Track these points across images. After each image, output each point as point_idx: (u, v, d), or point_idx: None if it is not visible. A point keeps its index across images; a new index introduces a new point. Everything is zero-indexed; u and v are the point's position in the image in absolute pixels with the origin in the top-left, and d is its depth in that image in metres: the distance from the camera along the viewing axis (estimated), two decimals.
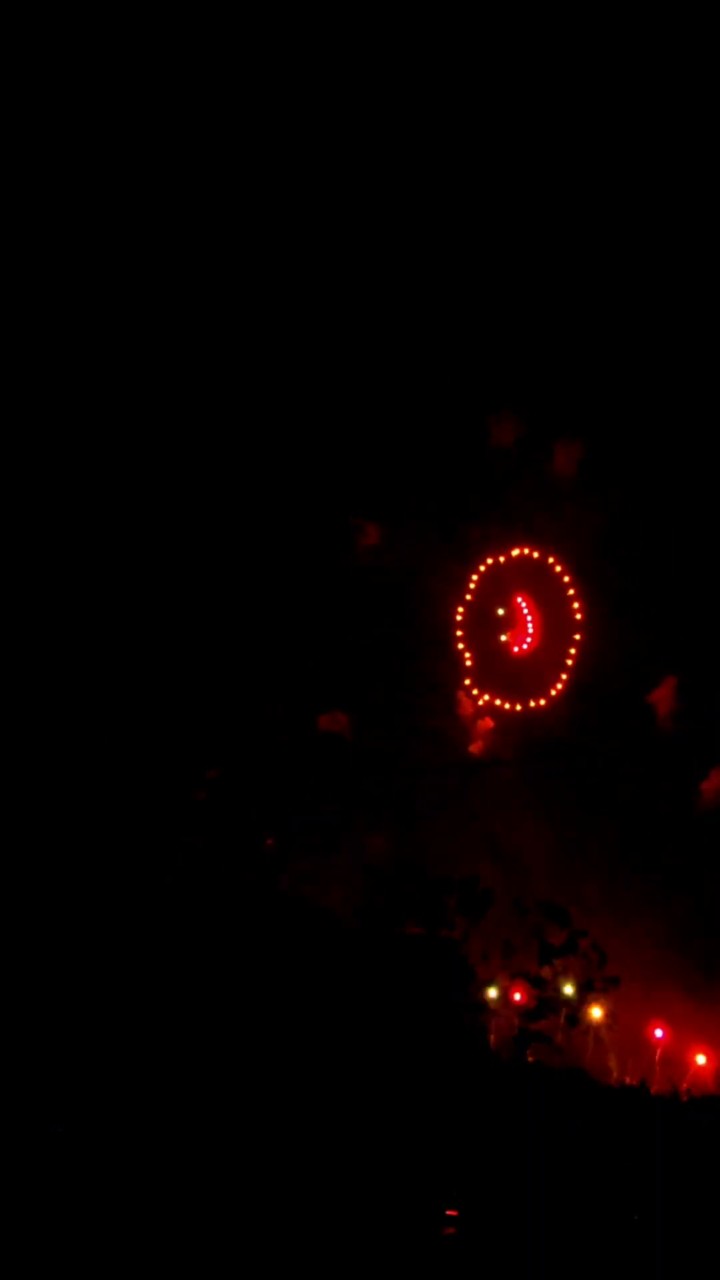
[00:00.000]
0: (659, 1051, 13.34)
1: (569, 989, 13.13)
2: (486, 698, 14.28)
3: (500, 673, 14.76)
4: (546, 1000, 13.11)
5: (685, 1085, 13.19)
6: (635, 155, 15.00)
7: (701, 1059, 13.26)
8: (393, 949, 10.24)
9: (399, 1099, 8.38)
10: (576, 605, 14.47)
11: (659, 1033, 13.26)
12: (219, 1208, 8.23)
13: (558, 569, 14.37)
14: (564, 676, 14.37)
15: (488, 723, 14.55)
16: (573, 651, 14.59)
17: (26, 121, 14.78)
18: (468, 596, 14.61)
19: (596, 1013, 12.98)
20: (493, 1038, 12.93)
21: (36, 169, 14.71)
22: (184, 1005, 8.80)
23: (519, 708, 14.44)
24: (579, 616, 14.40)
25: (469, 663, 14.52)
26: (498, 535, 15.02)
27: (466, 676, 14.36)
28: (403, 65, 14.98)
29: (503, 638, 14.56)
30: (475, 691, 14.29)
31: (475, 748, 14.43)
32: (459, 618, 14.66)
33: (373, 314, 15.31)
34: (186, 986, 8.92)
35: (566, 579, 14.41)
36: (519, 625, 14.66)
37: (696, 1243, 8.59)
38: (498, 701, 14.37)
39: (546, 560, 14.56)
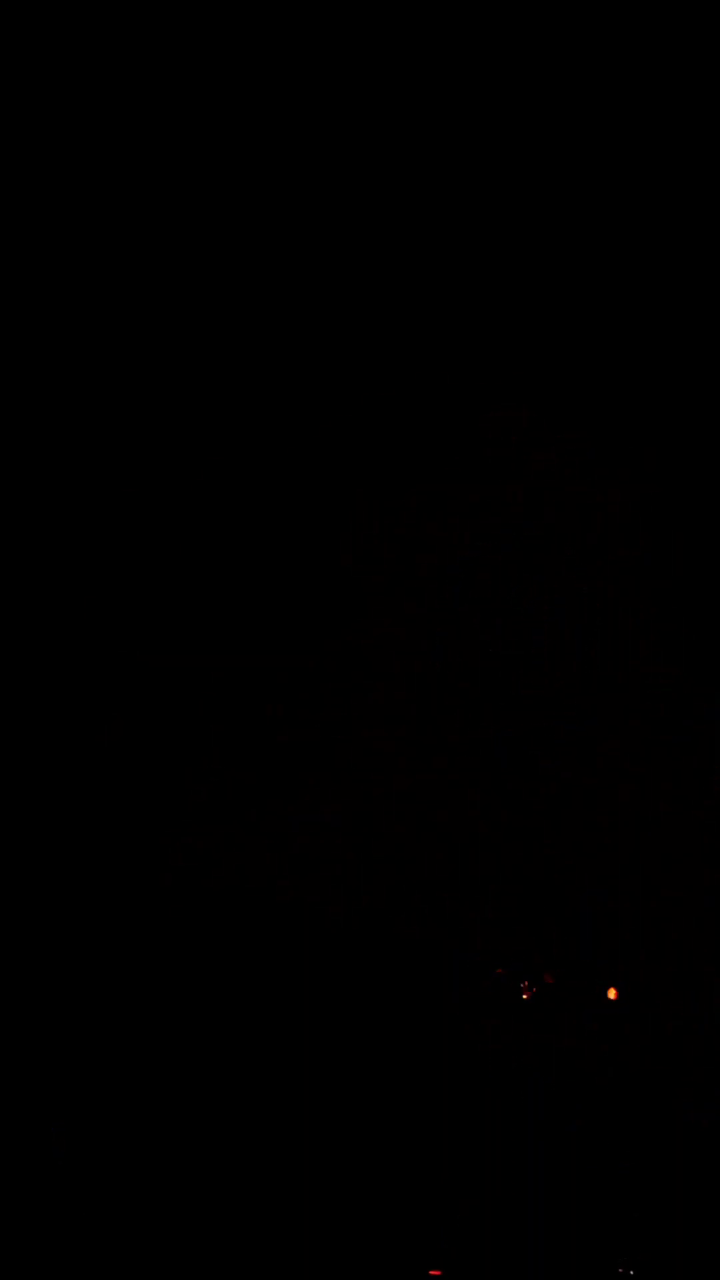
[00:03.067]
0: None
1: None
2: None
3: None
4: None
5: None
6: (634, 154, 15.42)
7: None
8: (392, 950, 10.38)
9: (398, 1098, 8.61)
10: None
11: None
12: (217, 1209, 8.52)
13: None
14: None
15: None
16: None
17: (26, 121, 15.06)
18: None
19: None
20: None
21: (36, 167, 15.06)
22: (183, 1005, 9.05)
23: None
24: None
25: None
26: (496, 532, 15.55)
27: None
28: (402, 60, 15.34)
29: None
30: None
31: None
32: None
33: (372, 312, 15.66)
34: (186, 986, 9.17)
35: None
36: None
37: (696, 1242, 8.84)
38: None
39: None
